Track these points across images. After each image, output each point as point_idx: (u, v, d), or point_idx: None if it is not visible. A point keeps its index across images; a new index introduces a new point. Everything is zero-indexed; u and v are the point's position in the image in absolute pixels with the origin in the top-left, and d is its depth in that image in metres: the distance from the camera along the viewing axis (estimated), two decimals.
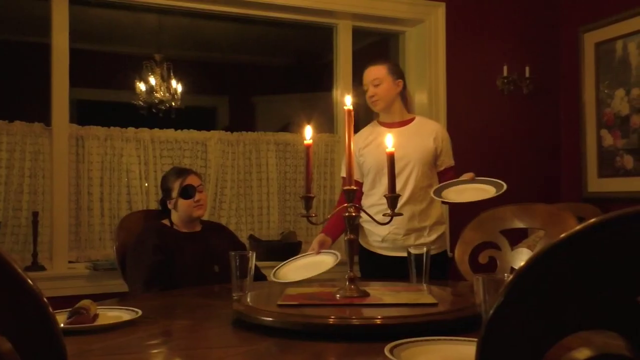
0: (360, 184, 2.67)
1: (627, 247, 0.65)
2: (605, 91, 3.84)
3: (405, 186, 2.58)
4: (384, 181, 2.57)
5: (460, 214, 2.88)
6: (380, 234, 2.62)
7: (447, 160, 2.66)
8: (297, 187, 3.59)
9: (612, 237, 0.64)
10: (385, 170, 2.54)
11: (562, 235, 0.64)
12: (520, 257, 2.37)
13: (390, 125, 2.67)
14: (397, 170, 2.54)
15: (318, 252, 2.50)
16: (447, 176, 2.64)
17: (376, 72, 2.62)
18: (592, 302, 0.66)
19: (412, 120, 2.69)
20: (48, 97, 3.07)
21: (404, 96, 2.70)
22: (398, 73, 2.68)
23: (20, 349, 0.73)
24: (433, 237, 2.61)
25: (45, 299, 0.74)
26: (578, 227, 0.64)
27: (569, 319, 0.66)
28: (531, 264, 0.65)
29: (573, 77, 4.02)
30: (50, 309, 0.74)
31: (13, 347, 0.73)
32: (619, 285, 0.66)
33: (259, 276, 2.38)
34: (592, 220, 0.64)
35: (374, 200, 2.62)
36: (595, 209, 3.64)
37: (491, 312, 0.65)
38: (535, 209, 2.47)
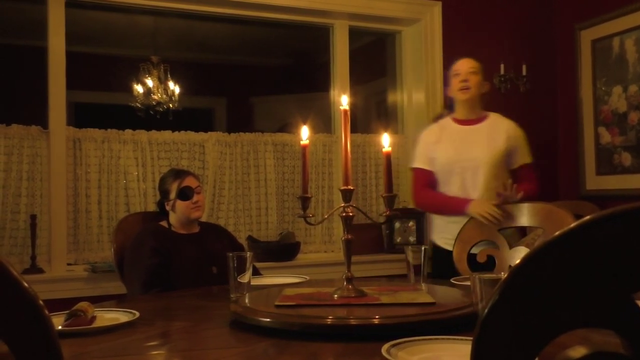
0: (434, 175, 2.70)
1: (622, 244, 0.65)
2: (603, 88, 3.84)
3: (475, 187, 2.60)
4: (454, 180, 2.63)
5: None
6: (453, 233, 2.62)
7: (521, 158, 2.68)
8: (296, 188, 3.59)
9: (606, 235, 0.64)
10: (456, 170, 2.62)
11: (556, 234, 0.64)
12: (519, 256, 2.37)
13: (464, 122, 2.70)
14: (468, 171, 2.61)
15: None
16: (522, 173, 2.67)
17: (474, 63, 2.70)
18: (587, 300, 0.66)
19: (486, 117, 2.72)
20: (45, 100, 3.06)
21: (484, 98, 2.76)
22: (485, 76, 2.75)
23: (16, 352, 0.73)
24: None
25: (40, 301, 0.74)
26: (572, 225, 0.64)
27: (563, 317, 0.66)
28: (525, 262, 0.65)
29: (570, 75, 4.02)
30: (46, 311, 0.74)
31: (9, 350, 0.73)
32: (614, 282, 0.66)
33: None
34: (586, 217, 0.64)
35: None
36: (593, 207, 3.64)
37: (485, 310, 0.65)
38: (534, 207, 2.47)
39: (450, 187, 2.64)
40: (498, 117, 2.75)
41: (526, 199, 2.50)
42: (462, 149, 2.64)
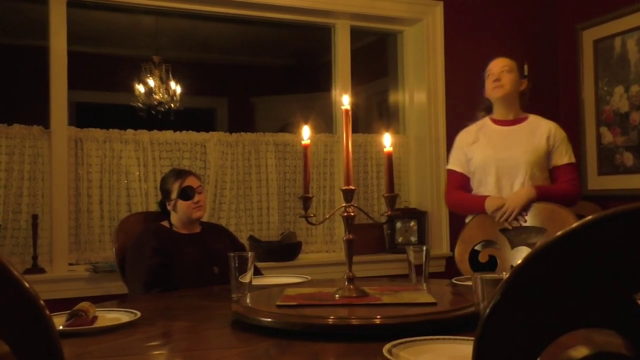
0: (467, 178, 2.69)
1: (623, 244, 0.65)
2: (605, 88, 3.83)
3: (511, 187, 2.56)
4: (490, 180, 2.61)
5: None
6: None
7: (559, 159, 2.61)
8: (297, 188, 3.59)
9: (607, 235, 0.64)
10: (492, 170, 2.59)
11: (558, 234, 0.64)
12: (521, 256, 2.36)
13: (502, 123, 2.68)
14: (505, 171, 2.58)
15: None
16: (558, 173, 2.59)
17: (508, 61, 2.68)
18: (589, 300, 0.66)
19: (525, 118, 2.68)
20: (47, 99, 3.06)
21: (524, 98, 2.72)
22: (523, 74, 2.72)
23: (17, 352, 0.73)
24: None
25: (42, 301, 0.74)
26: (573, 225, 0.64)
27: (565, 317, 0.66)
28: (527, 262, 0.65)
29: (572, 75, 4.02)
30: (47, 311, 0.74)
31: (10, 350, 0.73)
32: (616, 282, 0.66)
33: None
34: (588, 218, 0.64)
35: None
36: (595, 207, 3.63)
37: (487, 310, 0.65)
38: (536, 208, 2.47)
39: (487, 187, 2.61)
40: (538, 118, 2.70)
41: (561, 201, 2.44)
42: (499, 149, 2.61)
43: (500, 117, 2.70)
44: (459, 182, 2.69)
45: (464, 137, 2.75)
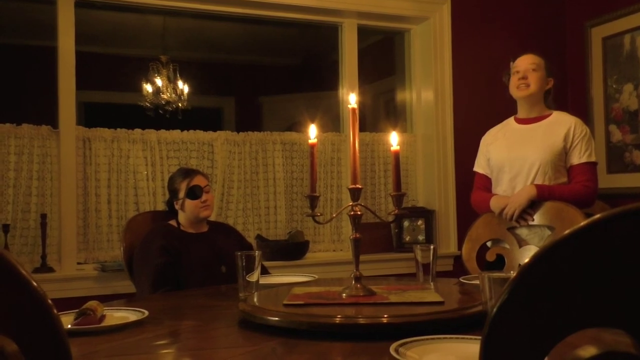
0: (489, 179, 2.69)
1: (632, 242, 0.64)
2: (614, 86, 3.81)
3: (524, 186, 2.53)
4: (504, 179, 2.60)
5: (468, 211, 2.88)
6: None
7: (575, 158, 2.52)
8: (304, 187, 3.59)
9: (616, 233, 0.64)
10: (506, 169, 2.58)
11: (566, 232, 0.64)
12: (528, 255, 2.35)
13: (524, 122, 2.65)
14: (517, 169, 2.56)
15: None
16: (573, 173, 2.52)
17: (536, 59, 2.61)
18: (598, 299, 0.65)
19: (548, 116, 2.62)
20: (55, 99, 3.08)
21: (549, 96, 2.67)
22: (550, 71, 2.63)
23: (25, 350, 0.73)
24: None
25: (49, 300, 0.74)
26: (582, 224, 0.63)
27: (573, 316, 0.65)
28: (535, 260, 0.65)
29: (580, 73, 4.00)
30: (55, 310, 0.75)
31: (18, 348, 0.73)
32: (625, 281, 0.65)
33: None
34: (596, 216, 0.63)
35: None
36: (604, 205, 3.61)
37: (495, 309, 0.65)
38: (544, 206, 2.46)
39: (502, 187, 2.60)
40: (560, 115, 2.63)
41: (571, 201, 2.39)
42: (514, 148, 2.59)
43: (523, 116, 2.66)
44: (482, 184, 2.70)
45: (485, 138, 2.76)
